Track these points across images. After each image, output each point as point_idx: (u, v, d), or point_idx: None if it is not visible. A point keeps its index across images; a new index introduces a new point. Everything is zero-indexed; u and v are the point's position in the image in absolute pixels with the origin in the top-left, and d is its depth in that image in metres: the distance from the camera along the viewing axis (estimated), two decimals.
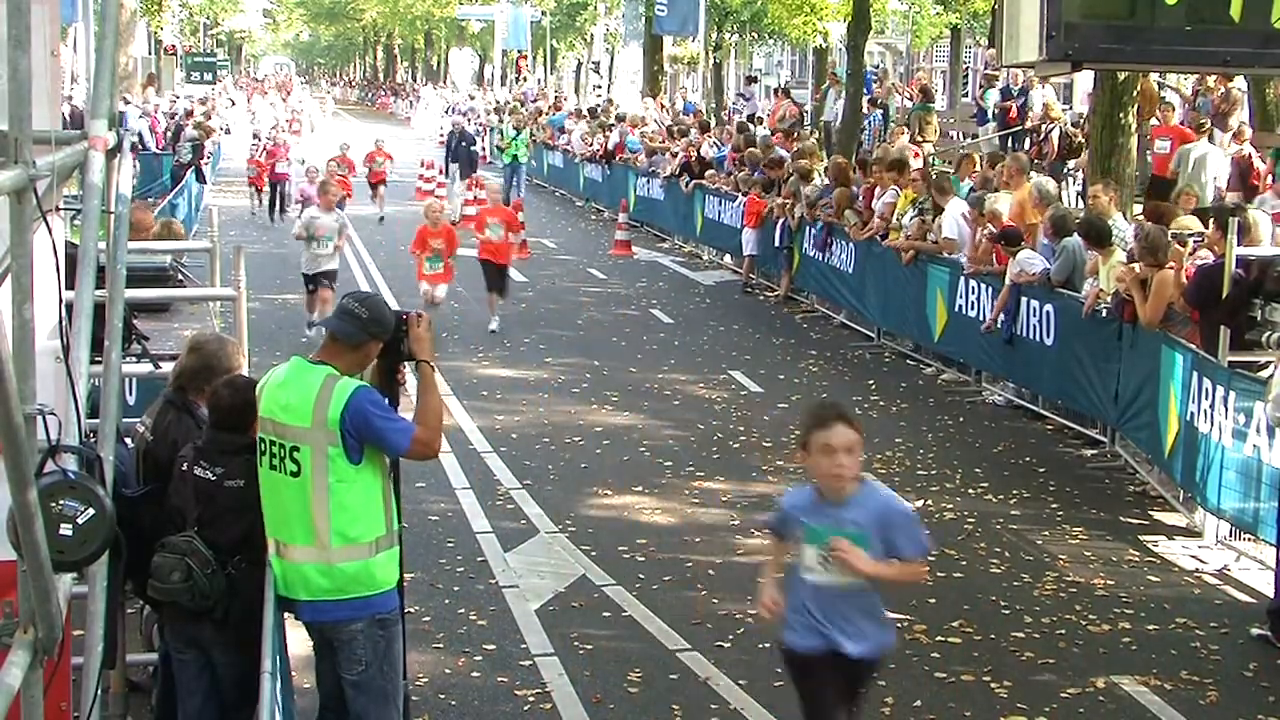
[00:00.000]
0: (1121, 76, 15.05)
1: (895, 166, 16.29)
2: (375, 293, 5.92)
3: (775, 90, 39.34)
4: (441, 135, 49.20)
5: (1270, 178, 16.82)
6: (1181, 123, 19.05)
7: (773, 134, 24.75)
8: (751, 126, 25.86)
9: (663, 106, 33.47)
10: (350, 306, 5.43)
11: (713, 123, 29.99)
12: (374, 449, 5.29)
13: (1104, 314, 11.39)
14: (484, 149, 43.36)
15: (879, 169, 16.66)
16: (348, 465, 5.22)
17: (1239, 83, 19.74)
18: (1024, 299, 12.64)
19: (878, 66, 43.17)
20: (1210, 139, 17.88)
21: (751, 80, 48.19)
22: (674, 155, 24.98)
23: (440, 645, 7.65)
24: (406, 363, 5.64)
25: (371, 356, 5.47)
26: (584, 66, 66.17)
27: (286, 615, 5.42)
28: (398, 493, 5.53)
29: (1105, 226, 11.76)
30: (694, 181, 23.10)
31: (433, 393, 5.54)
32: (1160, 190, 17.22)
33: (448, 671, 7.34)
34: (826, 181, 18.06)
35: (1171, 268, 10.39)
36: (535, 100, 43.89)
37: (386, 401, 5.46)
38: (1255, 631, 7.95)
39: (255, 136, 31.66)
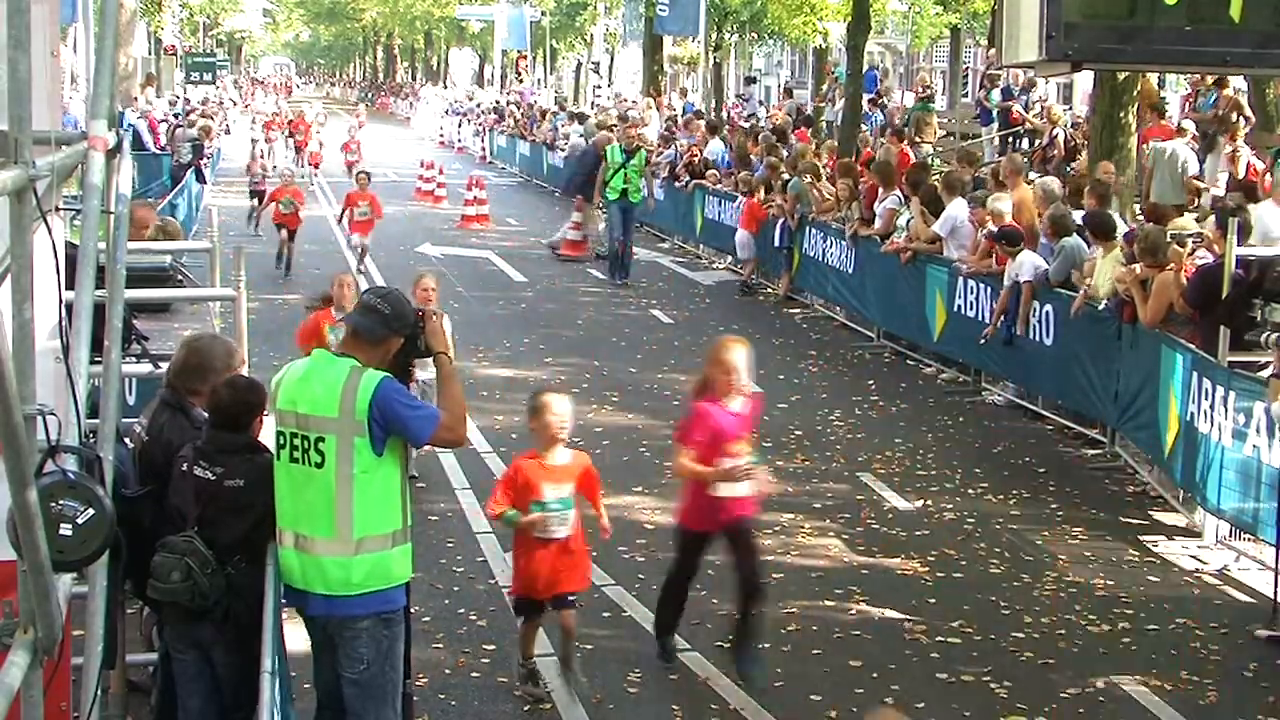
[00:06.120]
0: (1121, 76, 15.03)
1: (882, 171, 16.33)
2: (395, 288, 5.93)
3: (779, 91, 39.38)
4: (451, 139, 49.16)
5: (1268, 176, 16.77)
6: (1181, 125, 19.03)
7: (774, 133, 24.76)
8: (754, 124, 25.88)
9: (661, 106, 33.42)
10: (373, 303, 5.47)
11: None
12: (395, 441, 5.33)
13: (1102, 308, 11.39)
14: (485, 150, 43.37)
15: (869, 173, 16.69)
16: (372, 456, 5.26)
17: (1238, 84, 19.70)
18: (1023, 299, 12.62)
19: (877, 66, 43.16)
20: (1207, 142, 17.84)
21: (750, 81, 48.21)
22: (669, 163, 25.00)
23: (440, 645, 7.65)
24: (423, 357, 5.70)
25: (392, 351, 5.51)
26: (584, 67, 66.16)
27: (286, 614, 5.42)
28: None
29: (1110, 219, 11.77)
30: (694, 181, 23.10)
31: (453, 381, 5.65)
32: None
33: (448, 671, 7.34)
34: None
35: (1172, 268, 10.39)
36: (531, 97, 43.89)
37: None
38: (1263, 633, 7.93)
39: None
